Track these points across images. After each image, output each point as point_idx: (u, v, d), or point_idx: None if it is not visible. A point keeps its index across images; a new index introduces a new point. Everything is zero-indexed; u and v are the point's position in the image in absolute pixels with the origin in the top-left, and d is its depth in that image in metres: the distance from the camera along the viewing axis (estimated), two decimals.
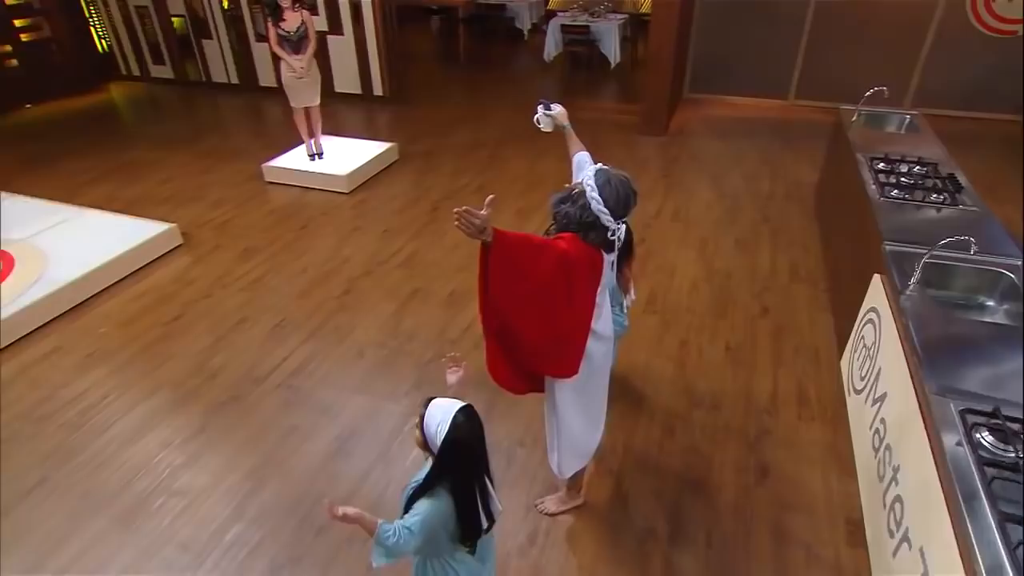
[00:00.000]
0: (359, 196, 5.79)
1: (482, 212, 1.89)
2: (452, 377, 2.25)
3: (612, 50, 9.12)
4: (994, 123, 7.11)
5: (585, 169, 2.70)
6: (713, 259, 4.70)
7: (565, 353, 2.37)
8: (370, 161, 6.06)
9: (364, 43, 7.87)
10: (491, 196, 1.99)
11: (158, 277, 4.63)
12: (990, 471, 1.87)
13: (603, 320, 2.47)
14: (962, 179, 3.71)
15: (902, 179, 3.73)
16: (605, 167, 2.23)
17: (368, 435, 3.26)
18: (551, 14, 10.09)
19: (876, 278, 3.09)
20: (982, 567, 1.64)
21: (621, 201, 2.18)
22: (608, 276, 2.39)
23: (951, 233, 3.17)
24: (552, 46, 9.48)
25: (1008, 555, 1.66)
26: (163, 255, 4.85)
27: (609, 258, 2.33)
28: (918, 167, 3.89)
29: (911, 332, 2.52)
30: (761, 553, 2.66)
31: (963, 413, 2.09)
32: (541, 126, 2.87)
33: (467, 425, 1.83)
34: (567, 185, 2.50)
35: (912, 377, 2.40)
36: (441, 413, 1.83)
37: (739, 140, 6.96)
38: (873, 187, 3.66)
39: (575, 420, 2.57)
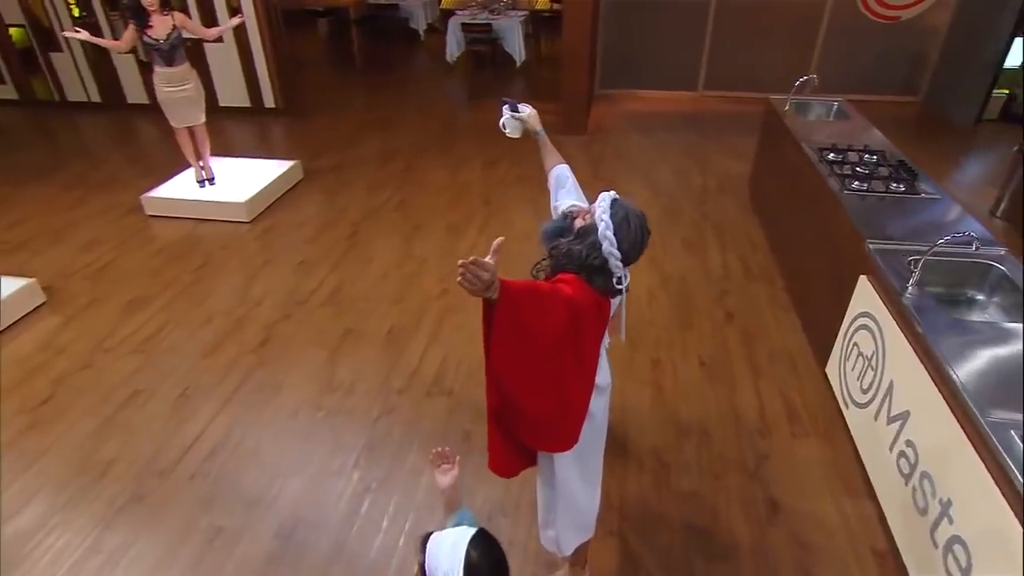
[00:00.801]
0: (263, 224, 5.00)
1: (489, 262, 1.39)
2: (445, 479, 1.69)
3: (517, 48, 8.71)
4: (885, 105, 7.34)
5: (566, 188, 2.23)
6: (664, 263, 4.38)
7: (570, 422, 1.89)
8: (271, 183, 5.27)
9: (249, 49, 6.97)
10: (499, 239, 1.53)
11: (16, 348, 3.67)
12: None
13: (603, 370, 2.02)
14: (912, 165, 3.58)
15: (857, 169, 3.55)
16: (620, 199, 1.76)
17: (315, 527, 2.62)
18: (448, 13, 9.53)
19: (863, 280, 2.84)
20: None
21: (636, 245, 1.72)
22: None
23: (927, 225, 3.01)
24: (454, 46, 8.94)
25: None
26: (20, 319, 3.88)
27: (614, 303, 1.87)
28: (867, 155, 3.74)
29: (933, 346, 2.25)
30: None
31: None
32: (507, 131, 2.33)
33: (486, 563, 1.31)
34: (565, 209, 2.02)
35: (946, 398, 2.12)
36: (448, 555, 1.29)
37: (659, 134, 6.77)
38: (832, 180, 3.44)
39: (576, 490, 2.10)
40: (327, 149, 6.39)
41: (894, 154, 3.74)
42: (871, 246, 2.84)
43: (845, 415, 2.92)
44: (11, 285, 3.85)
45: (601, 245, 1.71)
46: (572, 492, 2.09)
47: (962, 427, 2.02)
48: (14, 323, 3.83)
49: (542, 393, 1.75)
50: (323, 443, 3.00)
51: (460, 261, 1.34)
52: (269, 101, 7.32)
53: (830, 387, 3.17)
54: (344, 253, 4.56)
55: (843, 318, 3.00)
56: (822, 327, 3.31)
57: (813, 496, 2.73)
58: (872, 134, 4.14)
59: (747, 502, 2.70)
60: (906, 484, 2.30)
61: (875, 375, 2.63)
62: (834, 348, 3.10)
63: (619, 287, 1.75)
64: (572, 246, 1.74)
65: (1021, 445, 1.82)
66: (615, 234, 1.70)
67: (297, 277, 4.28)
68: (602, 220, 1.71)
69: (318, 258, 4.50)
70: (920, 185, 3.36)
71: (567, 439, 1.90)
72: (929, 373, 2.25)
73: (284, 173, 5.45)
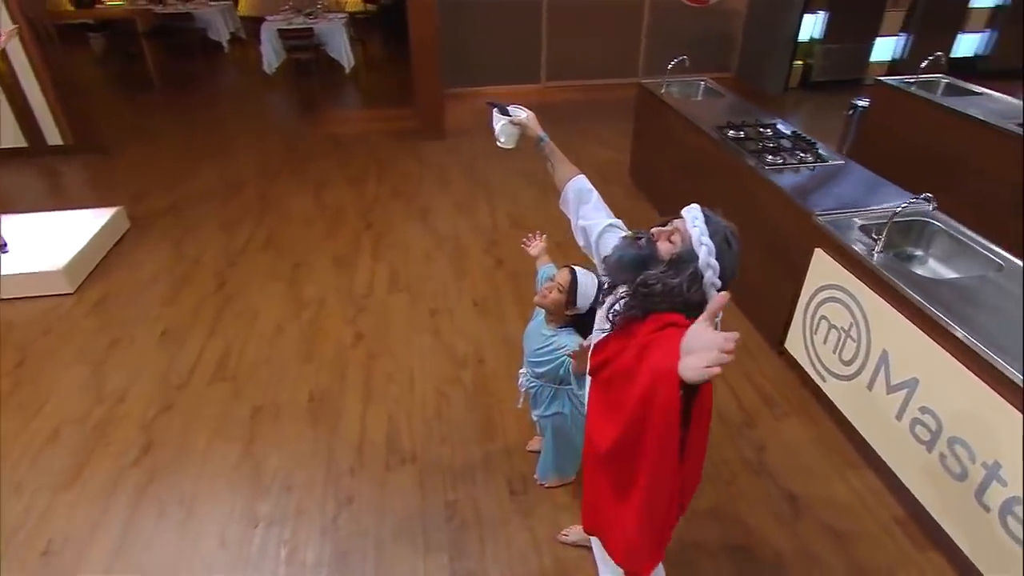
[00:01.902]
0: (95, 292, 3.85)
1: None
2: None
3: (343, 53, 7.91)
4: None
5: (591, 203, 1.80)
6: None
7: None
8: (92, 239, 4.09)
9: (14, 76, 5.43)
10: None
11: None
12: None
13: None
14: (804, 135, 3.68)
15: (763, 144, 3.55)
16: (711, 213, 1.38)
17: None
18: (254, 21, 8.42)
19: (819, 253, 2.79)
20: None
21: (731, 270, 1.38)
22: None
23: (852, 191, 3.04)
24: (272, 56, 7.89)
25: None
26: None
27: None
28: (762, 128, 3.78)
29: (928, 308, 2.20)
30: None
31: None
32: (502, 142, 1.85)
33: None
34: (628, 232, 1.59)
35: (961, 360, 2.07)
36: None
37: None
38: (748, 157, 3.39)
39: None
40: (151, 188, 5.19)
41: (784, 126, 3.83)
42: (820, 219, 2.79)
43: (823, 388, 2.87)
44: None
45: (703, 276, 1.34)
46: None
47: (991, 387, 1.97)
48: None
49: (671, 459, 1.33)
50: (275, 572, 2.27)
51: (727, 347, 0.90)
52: (54, 137, 5.80)
53: (792, 364, 3.12)
54: (218, 311, 3.66)
55: (799, 294, 2.95)
56: (768, 305, 3.26)
57: (821, 478, 2.63)
58: (750, 108, 4.23)
59: (767, 503, 2.53)
60: (930, 451, 2.25)
61: (858, 346, 2.58)
62: (792, 324, 3.05)
63: None
64: (667, 279, 1.33)
65: None
66: (719, 261, 1.33)
67: (165, 353, 3.32)
68: (703, 244, 1.33)
69: (185, 324, 3.55)
70: (822, 153, 3.44)
71: (670, 514, 1.51)
72: (932, 337, 2.20)
73: (105, 225, 4.27)
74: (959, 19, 7.63)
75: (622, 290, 1.42)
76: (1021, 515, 1.91)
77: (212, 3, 9.29)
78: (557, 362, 2.12)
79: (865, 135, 4.89)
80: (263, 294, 3.82)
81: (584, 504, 1.71)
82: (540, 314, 2.26)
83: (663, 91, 4.58)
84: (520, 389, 2.41)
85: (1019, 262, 2.43)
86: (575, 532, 2.36)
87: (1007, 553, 1.98)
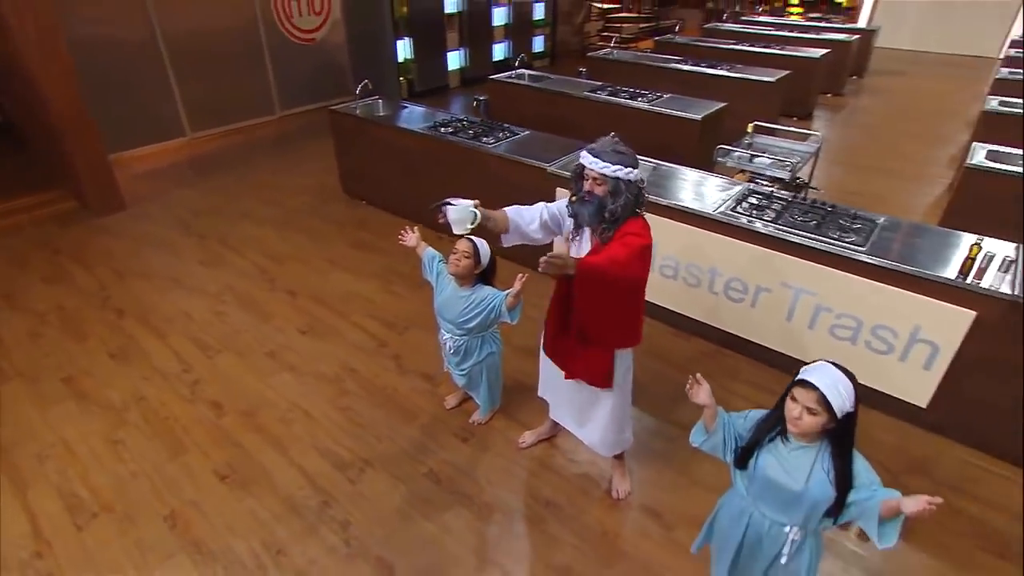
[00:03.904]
0: None
1: (559, 252, 1.86)
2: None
3: None
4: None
5: (526, 209, 2.26)
6: (360, 281, 4.33)
7: (640, 321, 2.23)
8: None
9: None
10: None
11: None
12: None
13: None
14: (474, 118, 4.66)
15: (472, 131, 4.38)
16: (602, 149, 2.00)
17: None
18: None
19: (559, 191, 3.77)
20: None
21: (629, 153, 2.03)
22: None
23: (546, 148, 4.13)
24: None
25: None
26: None
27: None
28: (460, 123, 4.60)
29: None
30: None
31: None
32: (459, 228, 2.12)
33: None
34: (565, 200, 2.13)
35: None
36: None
37: (205, 183, 5.86)
38: (469, 142, 4.19)
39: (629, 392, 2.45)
40: None
41: (448, 114, 4.76)
42: (552, 168, 3.78)
43: None
44: None
45: (631, 183, 2.03)
46: (629, 394, 2.42)
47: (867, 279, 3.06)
48: None
49: (626, 311, 2.12)
50: None
51: (542, 259, 1.81)
52: None
53: None
54: (15, 470, 2.69)
55: None
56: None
57: None
58: (426, 112, 5.02)
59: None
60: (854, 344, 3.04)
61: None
62: None
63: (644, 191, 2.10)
64: (619, 203, 1.99)
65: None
66: (624, 165, 2.00)
67: None
68: (616, 172, 1.99)
69: None
70: (512, 129, 4.46)
71: (638, 334, 2.23)
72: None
73: None
74: (490, 34, 9.86)
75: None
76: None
77: None
78: (487, 310, 2.54)
79: (496, 116, 6.23)
80: (53, 425, 2.94)
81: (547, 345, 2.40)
82: (446, 287, 2.59)
83: (358, 112, 4.97)
84: (447, 354, 2.73)
85: None
86: (527, 436, 2.85)
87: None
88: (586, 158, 2.02)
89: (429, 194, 2.40)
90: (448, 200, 2.13)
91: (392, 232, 3.04)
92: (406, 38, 8.32)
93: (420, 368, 3.34)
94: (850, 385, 1.58)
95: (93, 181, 4.91)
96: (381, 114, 5.02)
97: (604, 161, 1.98)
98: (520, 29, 10.04)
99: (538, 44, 10.17)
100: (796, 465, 1.67)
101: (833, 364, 1.62)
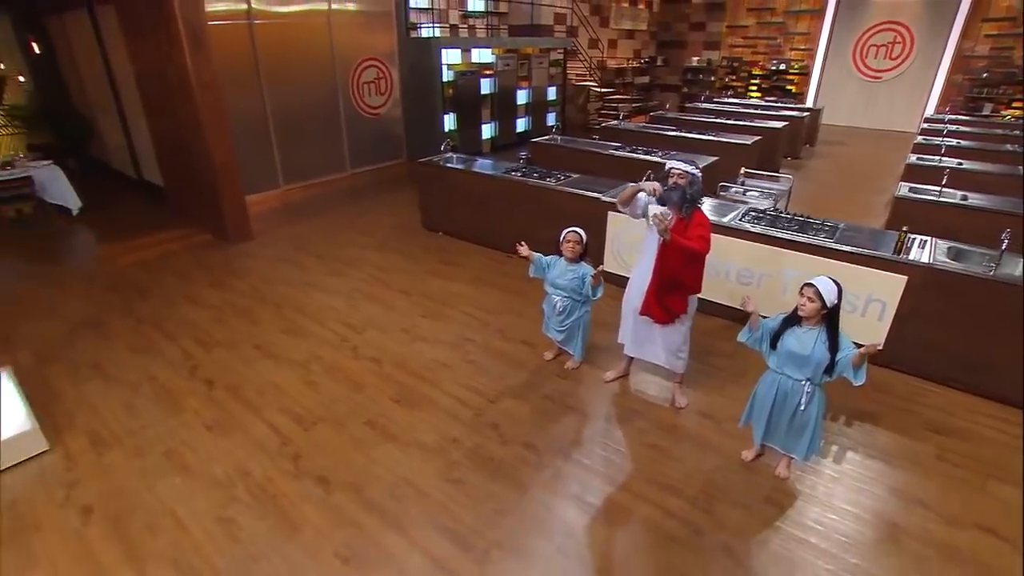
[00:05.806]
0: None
1: (664, 214, 2.87)
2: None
3: (69, 195, 6.57)
4: (389, 168, 9.47)
5: (641, 199, 3.30)
6: (486, 330, 5.31)
7: (701, 277, 3.26)
8: None
9: None
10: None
11: None
12: None
13: None
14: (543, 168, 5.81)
15: (537, 175, 5.51)
16: (679, 161, 3.14)
17: None
18: None
19: (611, 215, 4.86)
20: None
21: (694, 163, 3.15)
22: None
23: (598, 185, 5.20)
24: None
25: None
26: None
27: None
28: (526, 168, 5.74)
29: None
30: None
31: None
32: (656, 223, 2.95)
33: None
34: (661, 188, 3.16)
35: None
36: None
37: (310, 221, 6.90)
38: (539, 181, 5.31)
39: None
40: None
41: (524, 166, 5.90)
42: (605, 197, 4.88)
43: None
44: None
45: (697, 178, 3.10)
46: (690, 330, 3.42)
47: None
48: None
49: (697, 270, 3.15)
50: None
51: (654, 213, 2.81)
52: None
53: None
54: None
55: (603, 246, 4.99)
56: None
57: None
58: (492, 161, 6.17)
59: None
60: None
61: None
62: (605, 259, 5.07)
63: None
64: (693, 190, 3.06)
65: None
66: (694, 168, 3.12)
67: (217, 493, 3.18)
68: (691, 170, 3.09)
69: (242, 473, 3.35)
70: (559, 175, 5.60)
71: (700, 286, 3.25)
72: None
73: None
74: (514, 110, 11.29)
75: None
76: (880, 306, 4.27)
77: None
78: (585, 283, 3.53)
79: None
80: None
81: (646, 304, 3.30)
82: (558, 264, 3.58)
83: (440, 163, 6.11)
84: (554, 314, 3.70)
85: None
86: (608, 373, 3.79)
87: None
88: (673, 164, 3.12)
89: (499, 224, 3.43)
90: (642, 187, 3.10)
91: (467, 253, 4.13)
92: (452, 112, 9.67)
93: (521, 336, 4.28)
94: (835, 287, 2.58)
95: (234, 216, 5.93)
96: (453, 164, 6.17)
97: (685, 164, 3.09)
98: (537, 107, 11.53)
99: (551, 119, 11.65)
100: (806, 340, 2.66)
101: (828, 277, 2.65)
